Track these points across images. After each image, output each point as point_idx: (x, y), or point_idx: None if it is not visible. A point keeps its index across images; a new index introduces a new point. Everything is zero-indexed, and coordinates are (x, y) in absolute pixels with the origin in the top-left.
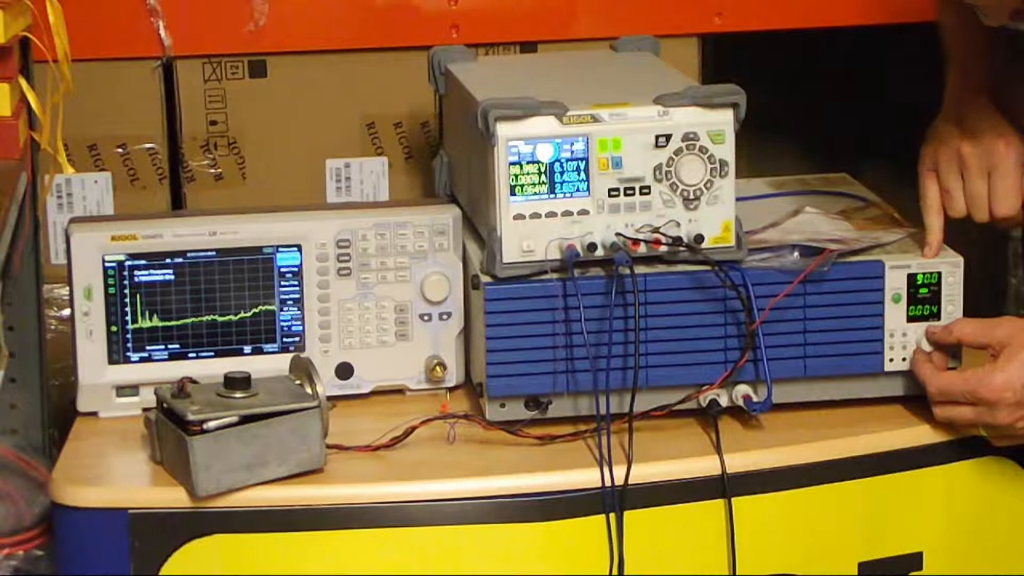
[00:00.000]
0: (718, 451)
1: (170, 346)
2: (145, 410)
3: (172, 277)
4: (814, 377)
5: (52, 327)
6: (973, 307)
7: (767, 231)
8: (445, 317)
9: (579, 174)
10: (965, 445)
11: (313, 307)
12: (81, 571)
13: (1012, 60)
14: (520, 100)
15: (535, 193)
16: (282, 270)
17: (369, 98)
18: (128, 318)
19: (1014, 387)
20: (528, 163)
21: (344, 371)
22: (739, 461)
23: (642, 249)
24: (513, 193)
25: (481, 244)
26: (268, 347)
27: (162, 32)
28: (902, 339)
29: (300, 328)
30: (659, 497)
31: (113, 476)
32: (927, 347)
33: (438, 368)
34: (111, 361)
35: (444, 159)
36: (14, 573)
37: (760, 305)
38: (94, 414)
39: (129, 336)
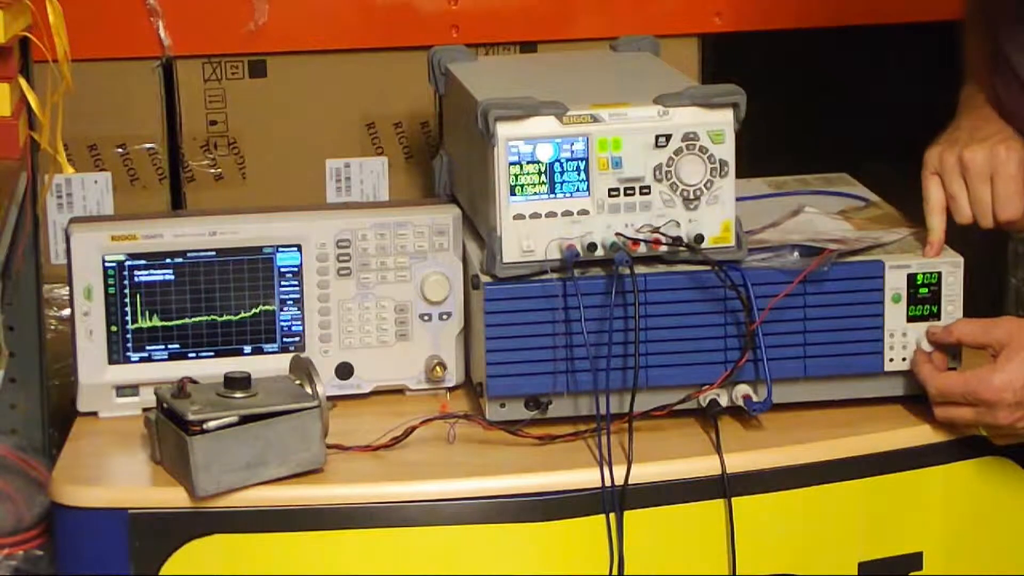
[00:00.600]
0: (718, 451)
1: (170, 346)
2: (145, 410)
3: (172, 277)
4: (814, 377)
5: (52, 327)
6: (973, 307)
7: (767, 231)
8: (445, 317)
9: (579, 174)
10: (965, 445)
11: (313, 307)
12: (81, 571)
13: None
14: (520, 100)
15: (535, 193)
16: (282, 270)
17: (369, 98)
18: (128, 318)
19: (1013, 387)
20: (528, 163)
21: (344, 371)
22: (739, 461)
23: (642, 249)
24: (513, 193)
25: (481, 244)
26: (268, 347)
27: (162, 32)
28: (902, 339)
29: (300, 328)
30: (659, 497)
31: (113, 476)
32: (927, 347)
33: (438, 368)
34: (111, 361)
35: (444, 159)
36: (14, 573)
37: (760, 305)
38: (94, 414)
39: (129, 336)
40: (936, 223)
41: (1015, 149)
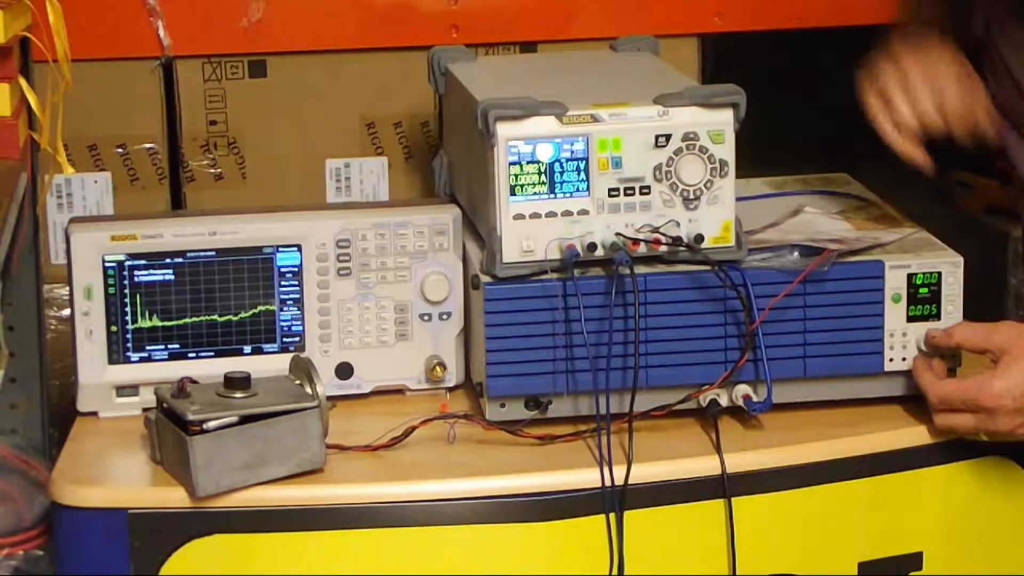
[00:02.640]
0: (718, 451)
1: (170, 346)
2: (145, 410)
3: (172, 277)
4: (814, 377)
5: (52, 327)
6: (973, 307)
7: (767, 231)
8: (445, 317)
9: (579, 174)
10: (965, 445)
11: (313, 307)
12: (81, 571)
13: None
14: (520, 100)
15: (535, 193)
16: (282, 270)
17: (369, 98)
18: (128, 318)
19: (1013, 394)
20: (528, 163)
21: (344, 371)
22: (739, 461)
23: (642, 249)
24: (513, 193)
25: (481, 244)
26: (268, 347)
27: (162, 32)
28: (902, 339)
29: (300, 328)
30: (659, 497)
31: (113, 476)
32: (927, 349)
33: (438, 368)
34: (111, 361)
35: (444, 159)
36: (14, 573)
37: (760, 305)
38: (94, 414)
39: (129, 336)
40: (907, 147)
41: (948, 46)
